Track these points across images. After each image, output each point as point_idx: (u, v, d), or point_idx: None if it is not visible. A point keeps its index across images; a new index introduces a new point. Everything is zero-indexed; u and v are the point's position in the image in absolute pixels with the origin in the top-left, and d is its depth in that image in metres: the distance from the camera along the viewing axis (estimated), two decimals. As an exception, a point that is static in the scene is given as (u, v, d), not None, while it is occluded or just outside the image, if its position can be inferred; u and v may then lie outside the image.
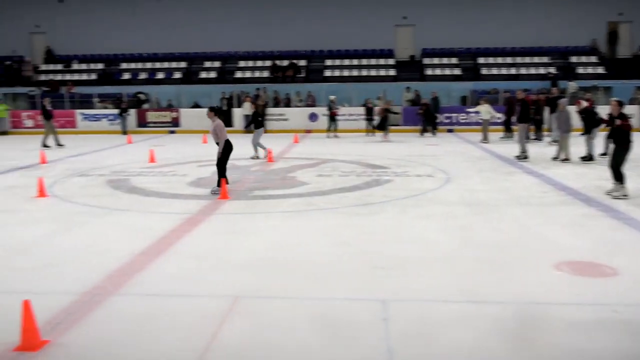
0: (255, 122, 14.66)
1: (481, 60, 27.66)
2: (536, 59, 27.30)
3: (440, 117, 22.75)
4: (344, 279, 5.25)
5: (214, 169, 11.99)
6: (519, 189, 9.77)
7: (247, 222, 7.61)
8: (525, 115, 14.20)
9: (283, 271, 5.52)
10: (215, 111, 9.82)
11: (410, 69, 27.61)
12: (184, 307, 4.65)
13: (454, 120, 23.26)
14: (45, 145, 17.48)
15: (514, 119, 16.72)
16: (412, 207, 8.35)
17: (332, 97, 21.01)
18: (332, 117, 20.77)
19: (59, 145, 17.81)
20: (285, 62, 27.67)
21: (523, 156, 13.41)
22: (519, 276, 5.28)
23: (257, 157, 14.16)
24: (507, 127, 18.68)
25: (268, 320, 4.37)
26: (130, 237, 6.86)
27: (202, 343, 3.97)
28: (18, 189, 10.25)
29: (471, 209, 8.16)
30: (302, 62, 28.23)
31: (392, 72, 27.30)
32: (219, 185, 9.46)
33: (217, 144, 9.58)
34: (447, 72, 27.12)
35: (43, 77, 28.50)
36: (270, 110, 24.09)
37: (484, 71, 26.92)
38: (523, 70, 26.80)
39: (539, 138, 17.96)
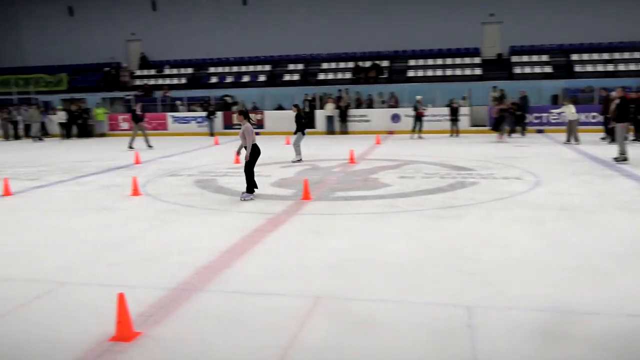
0: (298, 126, 14.65)
1: (574, 57, 26.24)
2: (636, 54, 25.52)
3: (530, 117, 21.83)
4: (427, 283, 5.13)
5: (298, 169, 12.13)
6: (617, 193, 9.15)
7: (329, 223, 7.63)
8: (624, 114, 13.29)
9: (365, 273, 5.48)
10: (244, 114, 9.49)
11: (498, 68, 26.68)
12: (267, 305, 4.72)
13: (544, 120, 22.24)
14: (130, 147, 18.43)
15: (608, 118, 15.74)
16: (499, 211, 8.04)
17: (418, 98, 20.70)
18: (418, 118, 20.47)
19: (149, 146, 18.73)
20: (368, 63, 27.60)
21: (622, 158, 12.56)
22: (621, 287, 4.92)
23: (300, 160, 14.24)
24: (606, 127, 17.61)
25: (349, 322, 4.34)
26: (216, 236, 7.08)
27: (284, 342, 4.00)
28: (114, 188, 10.89)
29: (563, 214, 7.74)
30: (385, 63, 28.05)
31: (477, 71, 26.51)
32: (248, 191, 9.31)
33: (245, 148, 9.35)
34: (537, 70, 25.95)
35: (138, 82, 30.16)
36: (352, 112, 24.14)
37: (578, 68, 25.50)
38: (621, 67, 25.13)
39: (639, 139, 16.79)
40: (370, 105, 24.84)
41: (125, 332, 4.09)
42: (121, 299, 4.12)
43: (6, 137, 25.63)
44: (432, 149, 16.81)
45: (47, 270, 5.80)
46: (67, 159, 16.27)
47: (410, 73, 27.24)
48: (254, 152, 9.37)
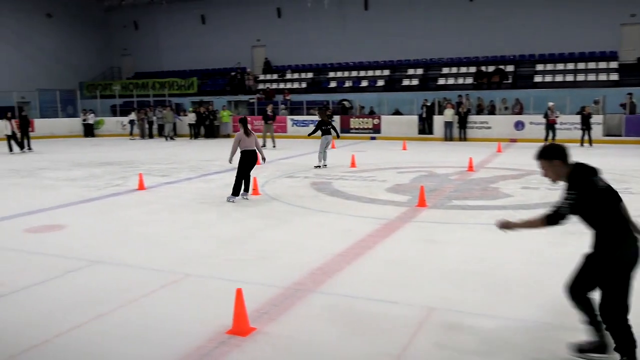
0: (322, 131, 14.67)
1: None
2: None
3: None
4: (548, 302, 4.79)
5: (414, 175, 11.99)
6: None
7: (445, 232, 7.41)
8: None
9: (481, 286, 5.24)
10: (242, 122, 10.00)
11: (638, 73, 24.47)
12: (379, 312, 4.67)
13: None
14: (262, 146, 19.48)
15: None
16: (635, 229, 7.32)
17: (550, 104, 19.58)
18: (550, 126, 19.34)
19: (274, 147, 20.23)
20: (491, 68, 26.57)
21: None
22: None
23: (325, 165, 14.22)
24: None
25: (463, 336, 4.17)
26: (330, 238, 7.15)
27: (394, 351, 3.93)
28: (236, 187, 11.39)
29: None
30: (510, 68, 26.83)
31: (614, 77, 24.48)
32: (232, 193, 9.66)
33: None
34: (685, 75, 23.46)
35: (261, 86, 31.45)
36: (472, 118, 23.36)
37: None
38: None
39: None
40: (491, 111, 23.87)
41: (241, 326, 4.24)
42: (239, 294, 4.27)
43: (142, 135, 27.88)
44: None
45: (173, 261, 6.19)
46: (194, 158, 17.34)
47: (537, 78, 25.79)
48: (241, 159, 9.79)
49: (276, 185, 11.62)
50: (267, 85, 31.16)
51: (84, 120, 29.56)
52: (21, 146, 20.40)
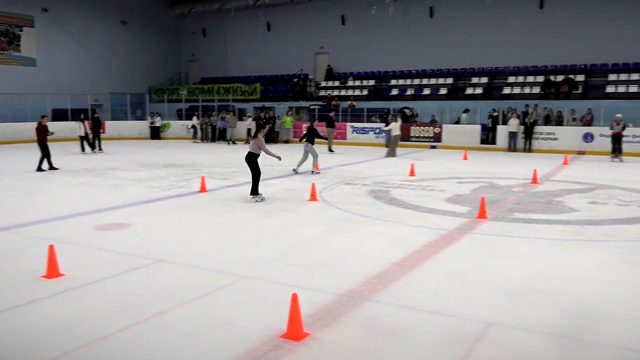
0: (309, 138, 14.89)
1: None
2: None
3: None
4: (617, 324, 4.57)
5: (474, 186, 11.84)
6: None
7: (506, 246, 7.21)
8: None
9: (543, 303, 5.06)
10: (258, 127, 10.92)
11: None
12: (433, 325, 4.60)
13: None
14: (330, 150, 21.66)
15: None
16: None
17: (617, 116, 18.73)
18: (615, 138, 18.51)
19: (330, 151, 21.24)
20: (560, 77, 25.66)
21: None
22: None
23: (318, 172, 14.56)
24: None
25: (522, 354, 4.04)
26: (387, 247, 7.10)
27: (450, 365, 3.86)
28: (294, 192, 11.52)
29: None
30: (580, 77, 25.81)
31: (693, 88, 23.12)
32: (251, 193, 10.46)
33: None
34: None
35: (322, 93, 31.66)
36: (538, 129, 22.61)
37: None
38: None
39: None
40: (559, 122, 23.03)
41: (295, 331, 4.28)
42: (294, 299, 4.32)
43: (205, 139, 28.64)
44: (631, 173, 15.04)
45: (232, 263, 6.33)
46: (255, 162, 17.63)
47: (610, 88, 24.68)
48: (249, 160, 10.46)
49: (334, 191, 11.66)
50: (329, 92, 31.33)
51: (152, 123, 30.67)
52: (92, 147, 21.37)
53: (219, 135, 28.47)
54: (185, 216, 9.15)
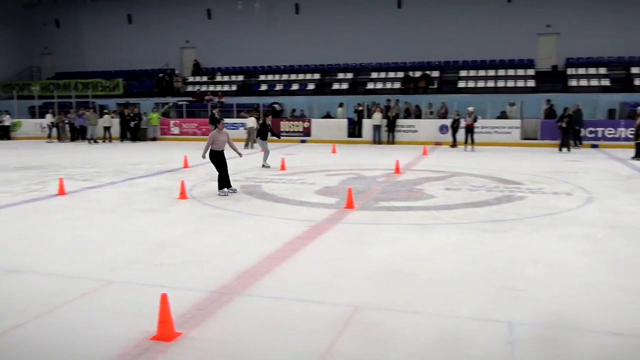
0: (262, 133, 15.36)
1: (635, 70, 25.26)
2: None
3: (584, 132, 21.24)
4: (469, 297, 5.03)
5: (342, 178, 12.23)
6: (675, 212, 8.74)
7: (372, 233, 7.59)
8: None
9: (406, 285, 5.42)
10: (211, 121, 10.88)
11: (552, 80, 26.02)
12: (305, 312, 4.73)
13: (599, 135, 21.52)
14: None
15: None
16: (546, 227, 7.81)
17: (469, 109, 20.47)
18: (469, 129, 20.25)
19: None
20: (418, 73, 27.40)
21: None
22: (672, 311, 4.69)
23: (268, 166, 14.90)
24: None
25: (387, 333, 4.30)
26: (258, 241, 7.15)
27: (319, 349, 4.00)
28: (162, 191, 11.16)
29: (616, 232, 7.45)
30: (435, 73, 27.77)
31: (531, 83, 25.89)
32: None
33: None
34: (594, 83, 25.11)
35: (190, 88, 30.90)
36: (400, 122, 24.01)
37: (638, 82, 24.55)
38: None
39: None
40: (418, 115, 24.63)
41: (166, 332, 4.18)
42: (164, 299, 4.21)
43: (61, 138, 26.72)
44: (480, 161, 16.50)
45: (95, 268, 5.99)
46: (119, 162, 16.81)
47: (461, 84, 26.86)
48: (213, 159, 10.65)
49: (205, 188, 11.48)
50: (197, 87, 30.66)
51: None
52: None
53: (78, 134, 26.68)
54: (41, 221, 8.49)
